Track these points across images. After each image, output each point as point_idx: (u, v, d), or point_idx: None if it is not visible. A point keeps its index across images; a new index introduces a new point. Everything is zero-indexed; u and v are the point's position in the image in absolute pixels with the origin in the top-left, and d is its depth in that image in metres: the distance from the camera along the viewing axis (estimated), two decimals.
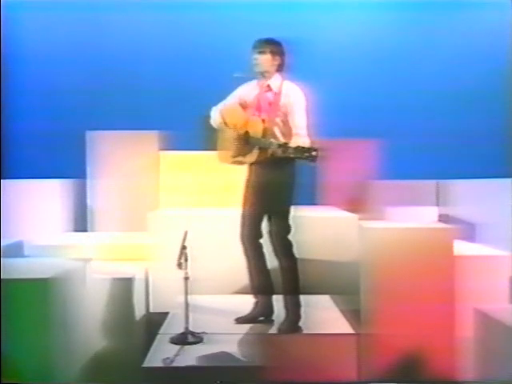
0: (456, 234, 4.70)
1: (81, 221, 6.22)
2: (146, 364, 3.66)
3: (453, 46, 6.70)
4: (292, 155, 3.67)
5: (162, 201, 5.87)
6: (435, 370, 4.36)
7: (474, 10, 6.55)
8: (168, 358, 3.66)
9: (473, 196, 5.96)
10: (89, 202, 6.26)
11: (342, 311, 4.55)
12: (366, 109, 6.59)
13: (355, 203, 5.96)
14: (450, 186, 6.28)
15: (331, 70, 6.14)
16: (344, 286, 4.93)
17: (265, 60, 4.07)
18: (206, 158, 5.51)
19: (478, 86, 6.54)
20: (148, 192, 5.97)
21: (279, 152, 3.73)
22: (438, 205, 6.35)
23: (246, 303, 4.39)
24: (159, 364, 3.64)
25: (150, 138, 6.20)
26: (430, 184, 6.49)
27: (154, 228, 5.20)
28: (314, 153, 3.59)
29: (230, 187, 5.41)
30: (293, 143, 3.79)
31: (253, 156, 4.04)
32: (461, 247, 4.94)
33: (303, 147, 3.66)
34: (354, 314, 4.45)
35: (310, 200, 6.10)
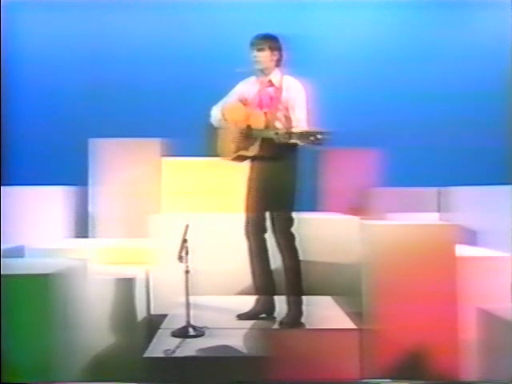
0: (457, 231, 4.71)
1: (82, 227, 6.22)
2: (147, 355, 3.62)
3: (452, 46, 6.76)
4: (297, 141, 3.69)
5: (164, 206, 5.86)
6: (438, 369, 4.33)
7: (474, 10, 6.62)
8: (169, 349, 3.64)
9: (473, 203, 5.96)
10: (90, 208, 6.27)
11: (345, 311, 4.52)
12: (368, 118, 6.63)
13: (358, 210, 5.96)
14: (451, 193, 6.29)
15: (333, 79, 6.15)
16: (346, 288, 4.91)
17: (264, 56, 4.10)
18: (207, 164, 5.58)
19: (478, 90, 6.59)
20: (150, 198, 5.97)
21: (284, 139, 3.75)
22: (439, 211, 6.37)
23: (248, 303, 4.38)
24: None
25: (152, 145, 6.24)
26: (431, 191, 6.51)
27: (155, 230, 5.19)
28: (319, 136, 3.61)
29: (231, 192, 5.41)
30: (297, 130, 3.81)
31: (255, 149, 4.05)
32: (462, 250, 4.95)
33: (308, 132, 3.68)
34: (356, 315, 4.42)
35: (313, 207, 6.11)
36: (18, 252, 5.27)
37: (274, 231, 4.12)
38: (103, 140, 6.24)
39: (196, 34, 6.73)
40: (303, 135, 3.67)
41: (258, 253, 4.22)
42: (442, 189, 6.47)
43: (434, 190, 6.52)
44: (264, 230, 4.20)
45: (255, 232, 4.20)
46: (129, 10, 6.76)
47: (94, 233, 6.22)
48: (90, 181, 6.30)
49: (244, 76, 4.27)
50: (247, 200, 4.24)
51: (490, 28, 6.50)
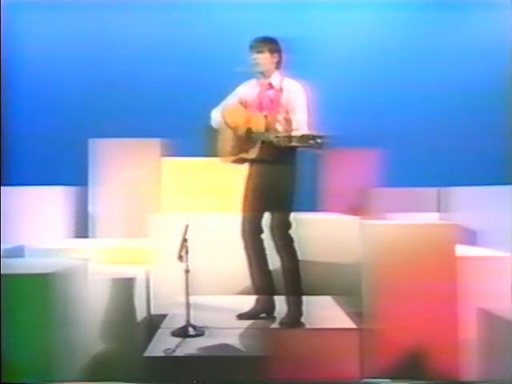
0: (457, 230, 4.71)
1: (82, 227, 6.23)
2: (147, 354, 3.62)
3: (452, 47, 6.76)
4: (297, 144, 3.69)
5: (164, 206, 5.86)
6: (438, 369, 4.34)
7: (474, 10, 6.63)
8: (169, 348, 3.64)
9: (473, 203, 5.96)
10: (90, 208, 6.27)
11: (345, 311, 4.52)
12: (368, 118, 6.63)
13: (358, 210, 5.96)
14: (451, 193, 6.29)
15: (333, 79, 6.15)
16: (346, 288, 4.91)
17: (264, 59, 4.10)
18: (207, 164, 5.58)
19: (478, 90, 6.59)
20: (150, 198, 5.97)
21: (285, 142, 3.74)
22: (439, 211, 6.37)
23: (248, 303, 4.38)
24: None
25: (152, 145, 6.24)
26: (431, 191, 6.51)
27: (155, 230, 5.19)
28: (319, 140, 3.60)
29: (230, 192, 5.41)
30: (297, 133, 3.81)
31: (255, 151, 4.04)
32: (463, 250, 4.96)
33: (308, 135, 3.67)
34: (356, 315, 4.42)
35: (313, 207, 6.12)
36: (17, 252, 5.28)
37: (273, 233, 4.11)
38: (103, 140, 6.24)
39: (196, 34, 6.73)
40: (303, 139, 3.66)
41: (255, 253, 4.22)
42: (442, 189, 6.47)
43: (434, 190, 6.53)
44: (260, 231, 4.20)
45: (251, 233, 4.20)
46: (129, 10, 6.76)
47: (93, 233, 6.22)
48: (90, 181, 6.30)
49: (244, 76, 4.26)
50: (244, 201, 4.24)
51: (490, 28, 6.49)
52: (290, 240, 4.11)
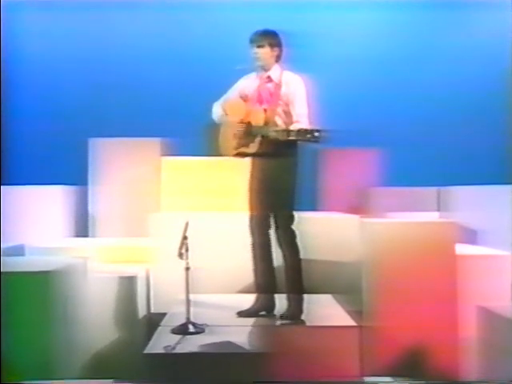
0: (457, 228, 4.71)
1: (82, 226, 6.23)
2: (147, 351, 3.61)
3: (453, 47, 6.78)
4: (295, 138, 3.70)
5: (164, 206, 5.86)
6: (438, 367, 4.34)
7: (474, 10, 6.64)
8: (169, 345, 3.63)
9: (473, 202, 5.96)
10: (90, 207, 6.27)
11: (345, 310, 4.52)
12: (368, 118, 6.64)
13: (358, 210, 5.97)
14: (451, 193, 6.29)
15: (333, 78, 6.14)
16: (346, 286, 4.91)
17: (264, 53, 4.10)
18: (207, 164, 5.59)
19: (478, 90, 6.60)
20: (150, 197, 5.97)
21: (282, 136, 3.75)
22: (439, 210, 6.37)
23: (248, 301, 4.37)
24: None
25: (152, 145, 6.24)
26: (431, 190, 6.52)
27: (155, 229, 5.20)
28: (316, 134, 3.62)
29: (230, 191, 5.42)
30: (295, 127, 3.82)
31: (255, 146, 4.05)
32: (463, 249, 4.96)
33: (306, 129, 3.69)
34: (356, 313, 4.41)
35: (314, 206, 6.12)
36: (17, 251, 5.27)
37: (276, 228, 4.12)
38: (103, 140, 6.24)
39: (195, 33, 6.75)
40: (301, 133, 3.68)
41: (262, 249, 4.21)
42: (442, 188, 6.48)
43: (434, 189, 6.53)
44: (268, 227, 4.19)
45: (260, 228, 4.19)
46: (129, 10, 6.77)
47: (94, 232, 6.22)
48: (90, 180, 6.30)
49: (243, 73, 4.27)
50: (250, 197, 4.24)
51: (490, 28, 6.50)
52: (293, 235, 4.10)
